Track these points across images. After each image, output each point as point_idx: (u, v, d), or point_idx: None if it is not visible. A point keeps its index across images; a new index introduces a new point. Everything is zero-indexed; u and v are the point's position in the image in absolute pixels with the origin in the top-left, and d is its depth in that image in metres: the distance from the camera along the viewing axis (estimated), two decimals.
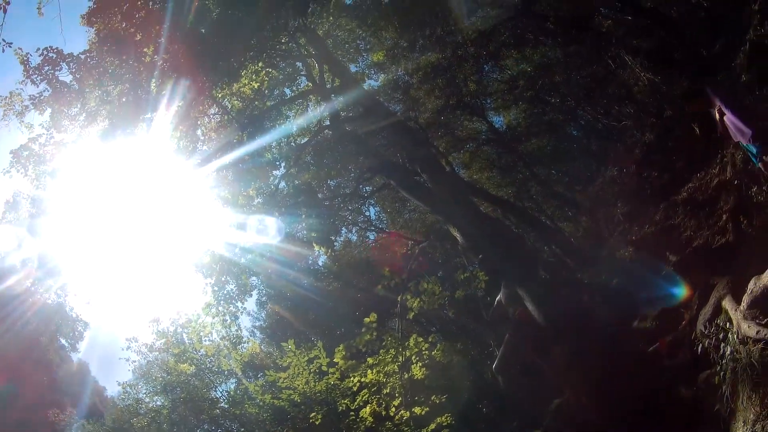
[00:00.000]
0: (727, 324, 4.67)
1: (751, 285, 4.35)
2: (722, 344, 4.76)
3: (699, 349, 5.44)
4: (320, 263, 25.98)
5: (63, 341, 50.37)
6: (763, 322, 3.97)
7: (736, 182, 9.08)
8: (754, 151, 7.04)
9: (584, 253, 15.18)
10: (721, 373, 4.80)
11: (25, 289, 42.60)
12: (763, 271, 5.34)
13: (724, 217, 9.39)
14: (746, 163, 8.47)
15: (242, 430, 16.80)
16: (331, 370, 12.77)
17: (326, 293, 24.54)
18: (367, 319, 11.88)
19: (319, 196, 15.14)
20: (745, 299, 4.32)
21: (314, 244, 13.83)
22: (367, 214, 23.11)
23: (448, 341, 14.26)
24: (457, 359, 13.59)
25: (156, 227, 15.39)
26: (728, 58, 11.41)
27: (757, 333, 3.91)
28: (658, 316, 10.57)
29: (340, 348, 12.23)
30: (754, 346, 3.92)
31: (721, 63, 11.64)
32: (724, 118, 7.47)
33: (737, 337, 4.26)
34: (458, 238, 10.06)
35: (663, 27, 14.84)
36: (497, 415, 16.88)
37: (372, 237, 24.36)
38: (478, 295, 20.70)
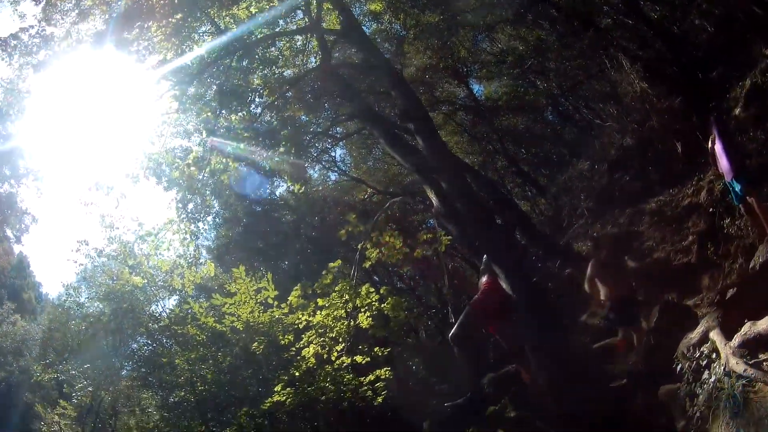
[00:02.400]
0: (713, 354, 4.97)
1: (745, 328, 4.64)
2: (705, 370, 5.06)
3: (678, 368, 5.71)
4: (277, 194, 26.20)
5: (8, 232, 49.27)
6: (751, 362, 4.28)
7: (711, 209, 9.43)
8: (737, 188, 7.32)
9: (546, 239, 15.53)
10: (695, 395, 5.10)
11: None
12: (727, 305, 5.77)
13: (691, 237, 9.78)
14: (724, 194, 8.80)
15: (176, 348, 16.90)
16: (282, 305, 12.92)
17: (278, 225, 24.63)
18: (331, 264, 12.06)
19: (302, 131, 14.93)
20: (737, 338, 4.62)
21: (287, 179, 13.74)
22: (332, 154, 23.04)
23: (399, 296, 14.52)
24: (403, 315, 13.84)
25: (127, 134, 14.99)
26: (723, 87, 11.69)
27: (744, 371, 4.23)
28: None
29: (297, 288, 12.38)
30: (738, 381, 4.24)
31: (715, 90, 11.90)
32: (715, 147, 7.74)
33: (723, 369, 4.57)
34: (434, 202, 10.13)
35: (663, 40, 15.10)
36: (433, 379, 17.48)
37: (333, 177, 24.32)
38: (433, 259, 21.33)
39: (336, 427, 15.66)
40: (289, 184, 14.71)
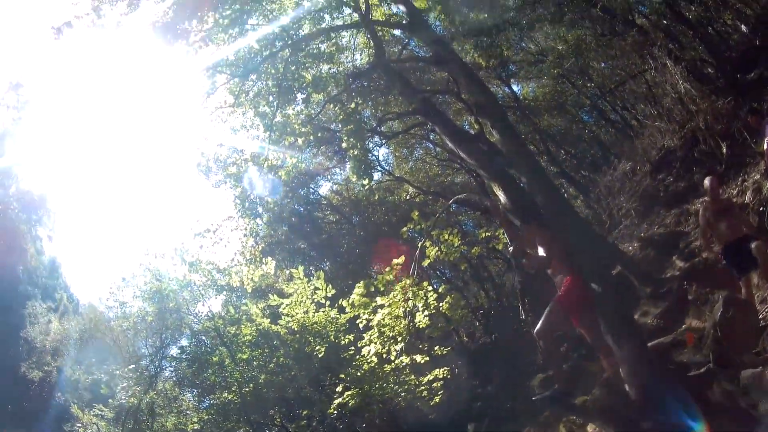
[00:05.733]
0: None
1: None
2: None
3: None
4: (321, 194, 26.18)
5: (40, 232, 49.96)
6: None
7: (761, 208, 9.28)
8: None
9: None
10: None
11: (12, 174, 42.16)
12: None
13: None
14: None
15: (222, 349, 16.75)
16: (345, 304, 12.77)
17: (321, 225, 24.59)
18: (395, 261, 11.87)
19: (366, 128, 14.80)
20: None
21: (352, 174, 13.59)
22: (375, 154, 22.95)
23: (458, 293, 14.41)
24: (460, 314, 13.72)
25: (175, 130, 14.93)
26: (763, 88, 11.56)
27: None
28: (661, 314, 10.81)
29: (361, 285, 12.19)
30: None
31: (754, 91, 11.78)
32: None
33: None
34: (501, 198, 9.91)
35: (702, 41, 14.96)
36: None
37: (376, 177, 24.28)
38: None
39: (389, 428, 15.53)
40: (352, 179, 14.54)
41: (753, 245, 7.78)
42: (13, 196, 41.98)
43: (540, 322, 7.63)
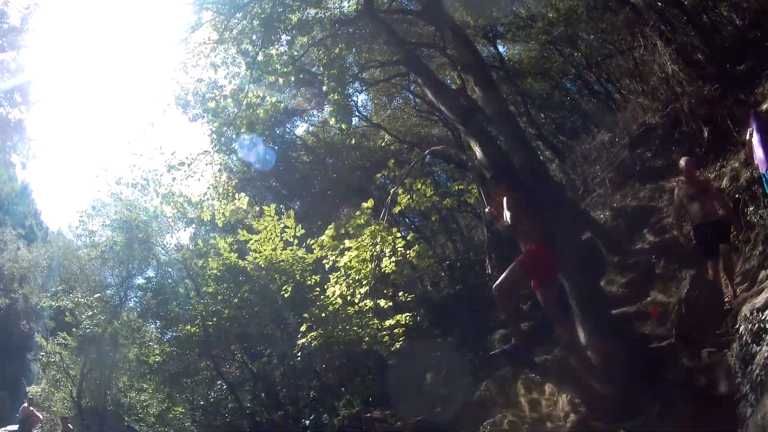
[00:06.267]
0: None
1: None
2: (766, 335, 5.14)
3: (739, 329, 5.76)
4: (297, 134, 26.18)
5: (14, 158, 49.09)
6: None
7: (737, 195, 9.52)
8: None
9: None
10: (751, 358, 5.22)
11: None
12: None
13: None
14: (751, 184, 9.00)
15: (188, 282, 16.86)
16: (314, 245, 12.89)
17: (294, 164, 24.54)
18: (364, 204, 12.06)
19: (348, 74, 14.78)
20: None
21: (331, 117, 13.61)
22: (354, 99, 22.91)
23: (426, 243, 14.59)
24: (427, 263, 13.92)
25: (154, 63, 14.76)
26: (752, 81, 11.74)
27: None
28: (627, 284, 11.06)
29: (331, 227, 12.34)
30: None
31: (743, 82, 11.94)
32: (752, 139, 7.90)
33: None
34: (477, 154, 10.02)
35: (694, 27, 15.10)
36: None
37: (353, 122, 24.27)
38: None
39: (350, 368, 15.80)
40: (330, 122, 14.52)
41: (720, 246, 8.16)
42: None
43: (500, 279, 7.84)
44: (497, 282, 7.75)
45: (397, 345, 13.99)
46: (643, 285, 10.57)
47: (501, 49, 24.38)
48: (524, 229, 7.88)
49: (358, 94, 22.99)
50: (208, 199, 14.95)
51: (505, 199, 7.94)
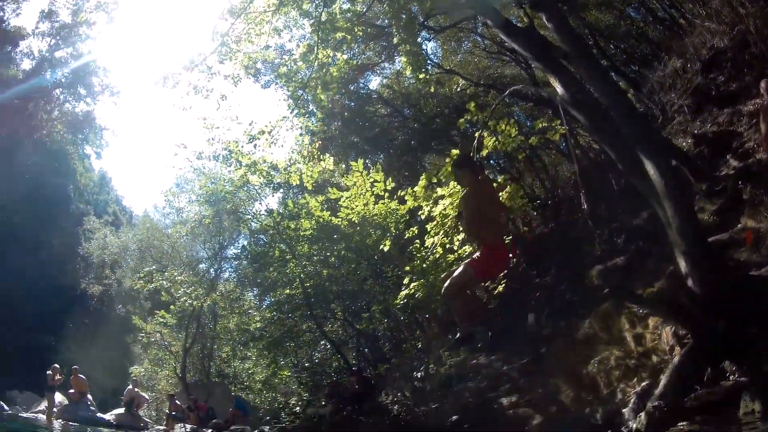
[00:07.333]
0: None
1: None
2: None
3: None
4: (371, 88, 26.08)
5: (88, 150, 50.59)
6: None
7: None
8: None
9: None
10: None
11: (54, 98, 42.54)
12: None
13: None
14: None
15: (282, 246, 16.92)
16: (407, 196, 12.77)
17: (373, 118, 24.49)
18: (454, 151, 11.79)
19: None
20: None
21: (406, 67, 13.33)
22: (424, 48, 22.64)
23: (516, 183, 14.31)
24: (521, 204, 13.65)
25: (216, 35, 14.79)
26: None
27: None
28: (717, 212, 10.66)
29: (424, 176, 12.16)
30: None
31: None
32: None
33: None
34: (558, 90, 9.60)
35: None
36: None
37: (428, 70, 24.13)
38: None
39: (450, 319, 15.79)
40: (406, 73, 14.28)
41: None
42: (56, 119, 42.42)
43: (449, 280, 7.89)
44: (446, 283, 7.86)
45: (499, 288, 13.85)
46: (733, 212, 10.18)
47: None
48: (481, 229, 7.75)
49: (426, 42, 22.72)
50: (293, 163, 15.07)
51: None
